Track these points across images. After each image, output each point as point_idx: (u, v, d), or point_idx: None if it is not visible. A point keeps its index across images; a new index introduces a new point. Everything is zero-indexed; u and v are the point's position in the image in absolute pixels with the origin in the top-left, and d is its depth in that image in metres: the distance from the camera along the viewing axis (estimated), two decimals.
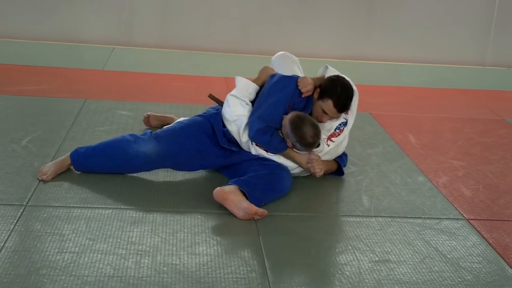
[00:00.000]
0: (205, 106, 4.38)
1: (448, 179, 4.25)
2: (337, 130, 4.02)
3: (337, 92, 3.92)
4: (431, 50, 7.96)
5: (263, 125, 3.86)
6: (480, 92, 6.69)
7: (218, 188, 3.56)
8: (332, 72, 4.12)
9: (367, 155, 4.54)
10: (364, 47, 7.85)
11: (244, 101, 4.02)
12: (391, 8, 7.81)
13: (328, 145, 3.98)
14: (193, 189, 3.79)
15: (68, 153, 3.86)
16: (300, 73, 4.28)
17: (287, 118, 3.86)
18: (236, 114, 3.97)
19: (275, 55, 4.43)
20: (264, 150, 3.92)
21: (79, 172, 3.85)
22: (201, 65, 7.05)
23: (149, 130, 3.98)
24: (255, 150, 3.93)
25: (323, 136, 3.95)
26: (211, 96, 4.19)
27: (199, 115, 4.10)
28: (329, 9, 7.70)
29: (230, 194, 3.52)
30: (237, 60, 7.34)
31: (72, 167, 3.86)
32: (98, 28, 7.50)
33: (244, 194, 3.56)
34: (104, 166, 3.85)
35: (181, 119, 4.25)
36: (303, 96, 3.99)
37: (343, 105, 3.96)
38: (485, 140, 5.10)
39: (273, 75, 4.12)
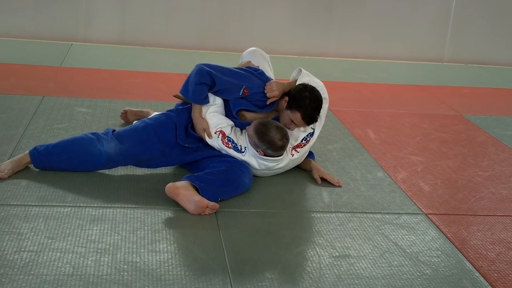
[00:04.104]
0: (163, 103, 4.35)
1: (407, 174, 4.29)
2: (303, 141, 4.01)
3: (306, 105, 3.87)
4: (389, 46, 8.01)
5: (206, 70, 3.87)
6: (438, 88, 6.77)
7: (170, 184, 3.55)
8: (305, 76, 4.06)
9: (327, 151, 4.56)
10: (323, 44, 7.88)
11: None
12: (349, 4, 7.85)
13: (293, 155, 3.97)
14: (154, 186, 3.77)
15: (27, 151, 3.81)
16: (270, 71, 4.28)
17: (250, 129, 3.84)
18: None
19: (246, 51, 4.41)
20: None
21: (37, 170, 3.80)
22: (160, 61, 7.00)
23: (111, 129, 3.93)
24: (218, 144, 3.89)
25: (289, 145, 3.93)
26: (177, 96, 4.16)
27: (164, 113, 4.04)
28: (288, 6, 7.71)
29: (181, 189, 3.51)
30: (197, 56, 7.29)
31: (30, 165, 3.81)
32: (56, 24, 7.40)
33: (197, 189, 3.55)
34: (66, 164, 3.80)
35: (155, 113, 4.21)
36: (267, 102, 3.96)
37: (311, 118, 3.93)
38: (443, 136, 5.16)
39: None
